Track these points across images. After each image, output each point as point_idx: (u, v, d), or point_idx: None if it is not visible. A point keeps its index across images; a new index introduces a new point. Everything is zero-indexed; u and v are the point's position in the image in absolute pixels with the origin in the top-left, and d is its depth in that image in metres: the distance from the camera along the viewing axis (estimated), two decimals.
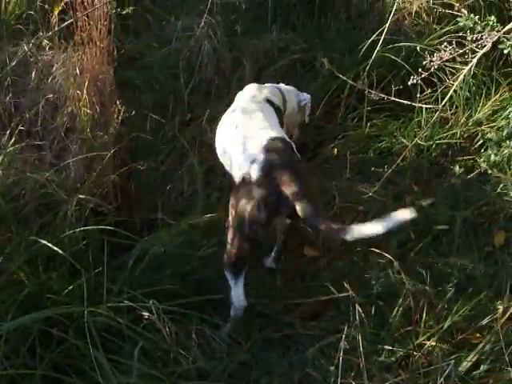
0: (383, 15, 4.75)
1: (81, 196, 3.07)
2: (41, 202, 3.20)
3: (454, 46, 2.85)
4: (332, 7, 5.02)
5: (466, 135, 4.11)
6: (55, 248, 2.76)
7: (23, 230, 3.01)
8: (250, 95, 3.41)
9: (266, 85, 3.60)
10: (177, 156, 3.86)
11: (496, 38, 2.81)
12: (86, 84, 3.35)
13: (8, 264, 2.78)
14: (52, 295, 2.74)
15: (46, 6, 3.99)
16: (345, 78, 3.52)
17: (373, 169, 3.62)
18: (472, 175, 3.69)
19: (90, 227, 2.99)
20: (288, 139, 3.10)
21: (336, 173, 3.79)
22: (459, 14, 4.25)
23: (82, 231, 3.00)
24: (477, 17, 3.70)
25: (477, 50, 2.84)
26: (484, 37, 2.81)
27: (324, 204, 3.55)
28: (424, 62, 2.89)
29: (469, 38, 2.93)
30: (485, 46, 2.80)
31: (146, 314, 2.60)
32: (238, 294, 2.90)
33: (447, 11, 4.77)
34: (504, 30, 2.80)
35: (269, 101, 3.39)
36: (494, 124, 4.10)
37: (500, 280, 3.16)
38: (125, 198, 3.45)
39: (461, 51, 2.90)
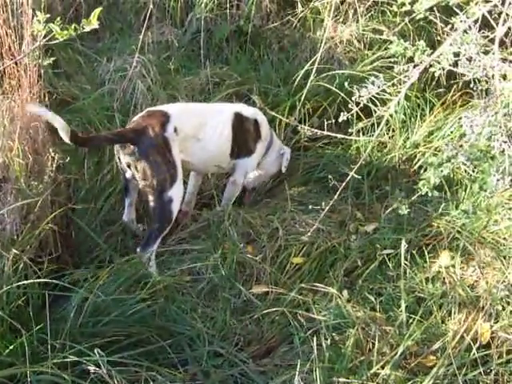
0: (315, 44, 4.81)
1: (15, 251, 2.96)
2: None
3: (382, 79, 2.87)
4: (264, 39, 5.08)
5: (404, 158, 4.16)
6: None
7: None
8: None
9: None
10: (117, 198, 3.80)
11: (422, 68, 2.84)
12: (18, 132, 3.26)
13: None
14: None
15: None
16: (275, 114, 3.54)
17: (310, 205, 3.59)
18: (413, 198, 3.71)
19: (28, 281, 2.90)
20: None
21: (278, 206, 3.78)
22: (390, 39, 4.34)
23: (21, 285, 2.90)
24: (407, 42, 3.76)
25: (405, 80, 2.87)
26: (410, 68, 2.85)
27: (268, 237, 3.52)
28: (353, 98, 2.91)
29: (395, 70, 2.96)
30: (411, 77, 2.84)
31: (92, 367, 2.51)
32: None
33: (378, 37, 4.87)
34: (433, 55, 2.84)
35: None
36: (431, 145, 4.16)
37: (449, 300, 3.17)
38: (65, 244, 3.36)
39: (389, 84, 2.93)
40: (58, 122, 3.15)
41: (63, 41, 2.79)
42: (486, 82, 2.93)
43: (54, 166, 3.27)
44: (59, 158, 3.32)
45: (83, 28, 2.59)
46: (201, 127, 3.65)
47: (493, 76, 2.77)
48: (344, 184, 3.24)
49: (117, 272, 3.17)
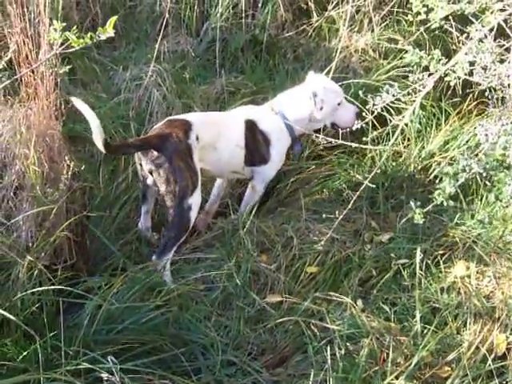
0: (330, 53, 4.81)
1: (30, 258, 2.98)
2: None
3: (396, 87, 2.87)
4: (279, 48, 5.09)
5: (419, 167, 4.14)
6: (6, 314, 2.66)
7: None
8: None
9: None
10: (132, 206, 3.81)
11: (437, 77, 2.84)
12: (34, 140, 3.28)
13: None
14: (7, 362, 2.64)
15: None
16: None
17: (324, 214, 3.58)
18: (429, 207, 3.69)
19: (42, 288, 2.91)
20: None
21: (293, 215, 3.77)
22: (405, 48, 4.34)
23: (36, 292, 2.92)
24: (422, 51, 3.76)
25: (420, 89, 2.87)
26: (425, 77, 2.84)
27: (282, 246, 3.52)
28: (366, 106, 2.91)
29: (410, 79, 2.96)
30: (426, 85, 2.84)
31: (105, 375, 2.51)
32: None
33: (393, 46, 4.86)
34: (449, 64, 2.83)
35: None
36: (447, 154, 4.14)
37: (464, 310, 3.15)
38: (80, 252, 3.37)
39: (403, 92, 2.92)
40: (96, 127, 3.18)
41: (80, 49, 2.81)
42: (502, 91, 2.91)
43: (70, 173, 3.29)
44: (75, 166, 3.34)
45: (99, 36, 2.60)
46: (218, 136, 3.67)
47: (508, 85, 2.76)
48: (358, 193, 3.24)
49: (131, 280, 3.18)
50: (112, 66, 4.80)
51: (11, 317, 2.70)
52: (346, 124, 3.82)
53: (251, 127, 3.81)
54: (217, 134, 3.67)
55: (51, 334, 2.73)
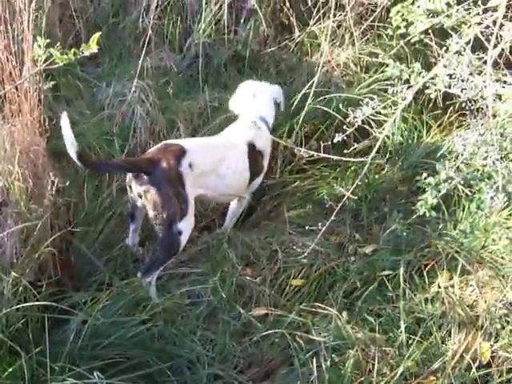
0: (312, 68, 4.85)
1: (15, 274, 2.97)
2: None
3: (376, 100, 2.91)
4: (262, 63, 5.13)
5: (402, 179, 4.18)
6: None
7: None
8: None
9: None
10: (116, 222, 3.81)
11: (416, 89, 2.88)
12: (18, 157, 3.28)
13: None
14: None
15: None
16: (274, 138, 3.58)
17: (307, 227, 3.59)
18: (412, 218, 3.72)
19: (27, 304, 2.91)
20: None
21: (277, 228, 3.79)
22: (386, 62, 4.39)
23: (21, 308, 2.91)
24: (403, 65, 3.81)
25: (400, 101, 2.91)
26: (405, 90, 2.89)
27: (267, 259, 3.54)
28: (347, 119, 2.95)
29: (389, 91, 3.00)
30: (405, 98, 2.88)
31: None
32: None
33: (374, 60, 4.91)
34: (427, 77, 2.87)
35: None
36: (429, 165, 4.18)
37: (448, 320, 3.17)
38: (65, 268, 3.37)
39: (383, 105, 2.97)
40: (69, 138, 3.19)
41: (63, 66, 2.82)
42: (476, 102, 2.96)
43: (54, 189, 3.29)
44: (59, 182, 3.33)
45: (82, 52, 2.62)
46: (221, 162, 3.68)
47: (485, 97, 2.80)
48: (340, 205, 3.27)
49: (116, 295, 3.18)
50: (95, 82, 4.81)
51: None
52: None
53: (252, 149, 3.85)
54: (218, 160, 3.67)
55: (37, 350, 2.72)
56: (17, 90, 3.34)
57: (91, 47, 2.57)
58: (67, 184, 3.42)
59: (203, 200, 3.80)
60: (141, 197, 3.41)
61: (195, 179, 3.49)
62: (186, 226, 3.43)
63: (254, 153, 3.85)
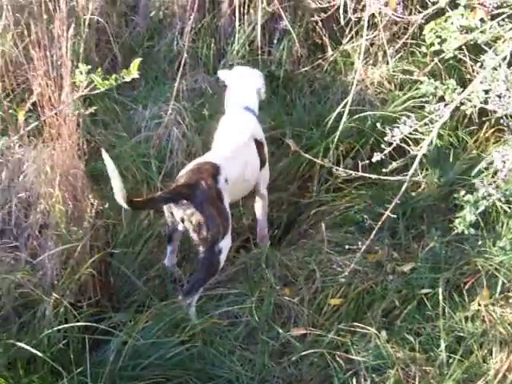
0: (346, 87, 4.86)
1: (56, 296, 3.03)
2: (18, 302, 3.18)
3: (413, 118, 2.91)
4: (296, 83, 5.14)
5: (439, 196, 4.15)
6: (34, 350, 2.70)
7: (1, 333, 2.99)
8: None
9: None
10: (154, 243, 3.84)
11: (453, 106, 2.88)
12: (58, 180, 3.35)
13: None
14: None
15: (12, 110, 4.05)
16: (310, 157, 3.59)
17: (347, 245, 3.59)
18: (450, 236, 3.68)
19: (67, 325, 2.95)
20: None
21: (314, 247, 3.78)
22: (420, 79, 4.38)
23: (62, 329, 2.95)
24: (437, 82, 3.80)
25: (437, 119, 2.91)
26: (441, 107, 2.89)
27: (305, 279, 3.53)
28: (385, 138, 2.95)
29: (427, 110, 3.00)
30: (443, 115, 2.88)
31: None
32: None
33: (408, 77, 4.91)
34: (464, 94, 2.87)
35: None
36: (466, 182, 4.14)
37: (489, 338, 3.13)
38: (104, 289, 3.40)
39: (420, 123, 2.97)
40: (117, 184, 3.18)
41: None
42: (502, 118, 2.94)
43: (93, 211, 3.35)
44: (98, 204, 3.40)
45: (123, 78, 2.67)
46: (246, 166, 3.76)
47: None
48: (380, 224, 3.26)
49: (155, 316, 3.21)
50: (132, 105, 4.88)
51: (38, 353, 2.74)
52: None
53: (256, 143, 3.90)
54: (244, 165, 3.74)
55: (78, 371, 2.76)
56: (56, 114, 3.41)
57: (132, 73, 2.62)
58: (106, 206, 3.47)
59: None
60: (183, 221, 3.41)
61: (229, 192, 3.53)
62: (227, 243, 3.46)
63: (257, 146, 3.90)
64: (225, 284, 3.64)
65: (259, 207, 4.02)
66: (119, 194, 3.18)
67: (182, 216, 3.39)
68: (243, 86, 4.13)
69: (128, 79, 2.68)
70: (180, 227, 3.52)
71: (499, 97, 3.00)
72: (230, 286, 3.60)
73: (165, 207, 3.52)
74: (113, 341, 3.01)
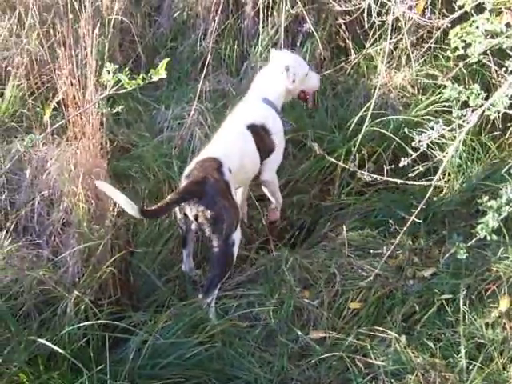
0: (369, 90, 4.85)
1: (77, 293, 3.05)
2: (40, 299, 3.23)
3: (441, 124, 2.90)
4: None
5: (461, 202, 4.12)
6: (54, 347, 2.72)
7: (22, 329, 3.03)
8: None
9: None
10: (175, 243, 3.86)
11: (480, 112, 2.86)
12: (81, 178, 3.37)
13: (8, 365, 2.75)
14: None
15: (38, 108, 4.10)
16: (333, 160, 3.58)
17: (371, 250, 3.58)
18: (472, 242, 3.65)
19: (88, 323, 2.97)
20: None
21: (335, 250, 3.78)
22: (443, 83, 4.35)
23: (82, 326, 2.97)
24: (461, 86, 3.77)
25: (463, 124, 2.89)
26: (468, 113, 2.87)
27: (325, 282, 3.52)
28: (413, 143, 2.94)
29: (454, 115, 2.98)
30: (470, 121, 2.86)
31: None
32: None
33: (431, 82, 4.88)
34: (491, 99, 2.85)
35: None
36: (489, 188, 4.12)
37: (510, 346, 3.11)
38: (124, 288, 3.43)
39: (448, 128, 2.95)
40: (123, 201, 3.19)
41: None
42: None
43: (115, 210, 3.37)
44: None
45: (151, 77, 2.68)
46: (243, 156, 3.78)
47: None
48: (405, 229, 3.25)
49: (175, 316, 3.22)
50: (154, 105, 4.91)
51: (59, 350, 2.76)
52: (312, 90, 4.26)
53: (253, 129, 3.87)
54: (242, 155, 3.76)
55: (98, 368, 2.78)
56: (80, 113, 3.43)
57: (160, 73, 2.63)
58: None
59: None
60: (197, 218, 3.43)
61: (233, 181, 3.60)
62: (238, 235, 3.51)
63: (256, 131, 3.88)
64: (245, 285, 3.64)
65: (267, 193, 4.05)
66: (129, 209, 3.20)
67: (196, 213, 3.41)
68: (268, 72, 4.11)
69: (155, 79, 2.68)
70: (193, 226, 3.55)
71: None
72: (250, 287, 3.60)
73: (177, 210, 3.54)
74: (132, 339, 3.03)
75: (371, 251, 3.48)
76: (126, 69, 2.68)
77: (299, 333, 3.30)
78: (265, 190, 4.07)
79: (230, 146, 3.77)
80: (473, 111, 2.90)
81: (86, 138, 3.43)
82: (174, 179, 4.21)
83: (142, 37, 5.43)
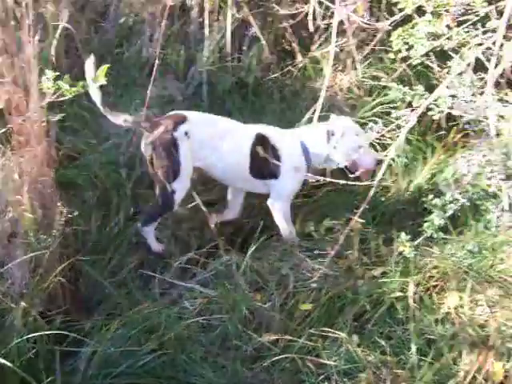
0: (315, 93, 4.88)
1: (24, 305, 3.00)
2: None
3: (380, 124, 2.95)
4: (266, 90, 5.16)
5: (408, 201, 4.19)
6: (2, 360, 2.67)
7: None
8: None
9: None
10: (124, 251, 3.82)
11: (420, 112, 2.92)
12: (26, 187, 3.32)
13: None
14: None
15: None
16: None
17: (316, 251, 3.62)
18: (419, 240, 3.71)
19: (37, 334, 2.92)
20: None
21: (286, 251, 3.79)
22: (388, 85, 4.43)
23: (31, 338, 2.92)
24: (406, 87, 3.84)
25: (403, 124, 2.95)
26: (408, 113, 2.93)
27: (276, 284, 3.53)
28: None
29: (393, 115, 3.04)
30: (409, 121, 2.92)
31: None
32: None
33: (377, 83, 4.95)
34: (430, 99, 2.91)
35: None
36: (434, 187, 4.19)
37: (459, 340, 3.16)
38: (74, 297, 3.38)
39: (387, 129, 3.00)
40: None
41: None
42: (479, 122, 2.99)
43: (62, 219, 3.32)
44: (67, 212, 3.37)
45: None
46: (219, 139, 3.86)
47: (487, 117, 2.83)
48: (348, 229, 3.29)
49: (127, 323, 3.19)
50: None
51: (8, 363, 2.70)
52: (362, 168, 3.83)
53: (260, 139, 3.91)
54: (216, 136, 3.86)
55: (48, 380, 2.73)
56: (24, 121, 3.37)
57: (98, 79, 2.61)
58: (75, 214, 3.44)
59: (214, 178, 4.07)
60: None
61: (194, 150, 3.80)
62: (180, 186, 3.81)
63: (262, 145, 3.87)
64: (197, 290, 3.61)
65: (274, 216, 4.03)
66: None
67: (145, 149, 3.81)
68: (318, 129, 4.00)
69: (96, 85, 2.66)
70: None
71: (466, 102, 3.05)
72: (203, 292, 3.58)
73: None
74: (83, 349, 2.99)
75: (319, 252, 3.50)
76: (66, 76, 2.64)
77: (252, 335, 3.30)
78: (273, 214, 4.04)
79: (212, 122, 3.95)
80: (412, 111, 2.96)
81: (30, 146, 3.37)
82: (122, 186, 4.17)
83: (87, 43, 5.37)
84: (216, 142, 3.85)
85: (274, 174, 3.94)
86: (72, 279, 3.39)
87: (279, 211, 3.99)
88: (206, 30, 5.24)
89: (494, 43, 2.98)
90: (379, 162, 3.79)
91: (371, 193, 3.19)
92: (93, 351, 2.99)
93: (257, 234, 3.79)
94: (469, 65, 2.97)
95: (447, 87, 2.95)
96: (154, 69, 4.41)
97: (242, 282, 3.56)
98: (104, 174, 4.26)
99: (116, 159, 4.39)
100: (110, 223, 3.97)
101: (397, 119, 3.02)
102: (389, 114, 4.49)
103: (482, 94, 2.95)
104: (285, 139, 3.97)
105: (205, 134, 3.84)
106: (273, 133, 3.98)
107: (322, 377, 3.01)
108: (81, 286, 3.49)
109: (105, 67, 2.62)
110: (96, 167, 4.29)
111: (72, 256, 3.37)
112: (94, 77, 2.56)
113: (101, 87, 3.01)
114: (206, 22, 5.23)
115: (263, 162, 3.84)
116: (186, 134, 3.76)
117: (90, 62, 3.49)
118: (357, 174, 3.63)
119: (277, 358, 3.15)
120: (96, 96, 3.62)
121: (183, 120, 3.80)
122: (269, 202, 4.01)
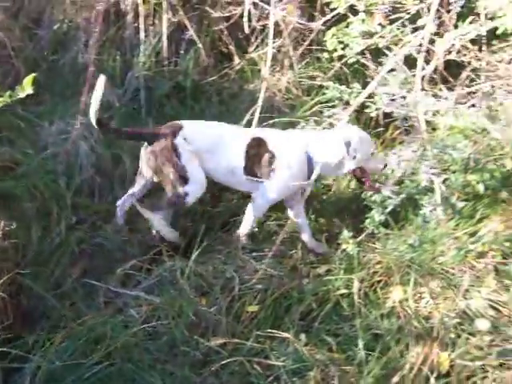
0: (254, 95, 4.88)
1: None
2: None
3: (312, 122, 2.99)
4: (204, 93, 5.15)
5: (349, 198, 4.23)
6: None
7: None
8: None
9: None
10: (66, 261, 3.76)
11: (351, 111, 2.97)
12: None
13: None
14: None
15: None
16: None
17: (260, 252, 3.62)
18: (361, 236, 3.75)
19: None
20: None
21: (230, 254, 3.78)
22: (326, 84, 4.47)
23: None
24: (343, 86, 3.89)
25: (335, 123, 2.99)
26: (340, 111, 2.99)
27: (221, 288, 3.52)
28: None
29: (326, 114, 3.08)
30: (341, 119, 2.97)
31: None
32: None
33: (315, 83, 4.99)
34: (361, 96, 2.95)
35: None
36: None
37: (405, 333, 3.20)
38: (16, 312, 3.30)
39: (319, 127, 3.04)
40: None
41: (2, 106, 2.80)
42: (410, 118, 3.04)
43: (1, 232, 3.25)
44: (5, 225, 3.30)
45: (18, 94, 2.60)
46: (217, 143, 3.91)
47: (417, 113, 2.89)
48: (286, 228, 3.29)
49: (71, 335, 3.14)
50: (37, 121, 4.75)
51: None
52: (374, 172, 3.92)
53: (256, 140, 3.90)
54: (214, 141, 3.91)
55: None
56: None
57: (25, 88, 2.54)
58: (14, 226, 3.37)
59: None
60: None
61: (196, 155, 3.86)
62: (192, 189, 3.86)
63: (257, 146, 3.89)
64: (142, 298, 3.57)
65: (247, 210, 3.99)
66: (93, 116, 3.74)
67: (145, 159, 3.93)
68: (327, 139, 3.83)
69: (23, 95, 2.60)
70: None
71: (403, 98, 3.11)
72: (148, 299, 3.54)
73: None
74: (27, 365, 2.92)
75: (262, 253, 3.51)
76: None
77: (200, 339, 3.27)
78: (247, 208, 4.00)
79: (208, 127, 4.02)
80: (343, 109, 3.01)
81: None
82: (61, 196, 4.10)
83: (21, 51, 5.26)
84: (214, 146, 3.88)
85: (266, 175, 3.89)
86: (13, 293, 3.31)
87: (257, 209, 3.96)
88: (142, 35, 5.21)
89: (423, 39, 3.03)
90: (385, 166, 3.80)
91: (307, 191, 3.20)
92: (37, 366, 2.92)
93: (199, 238, 3.75)
94: (399, 62, 3.02)
95: (379, 84, 3.00)
96: (89, 75, 4.37)
97: (186, 287, 3.53)
98: (42, 183, 4.17)
99: (54, 168, 4.30)
100: (50, 234, 3.90)
101: (329, 117, 3.05)
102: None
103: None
104: (287, 145, 3.89)
105: (202, 140, 3.89)
106: (273, 137, 3.93)
107: (272, 378, 3.01)
108: (23, 300, 3.41)
109: (30, 76, 2.55)
110: (34, 177, 4.20)
111: (12, 270, 3.29)
112: (21, 87, 2.49)
113: (35, 96, 2.93)
114: (142, 26, 5.20)
115: (256, 163, 3.87)
116: (185, 139, 3.83)
117: (100, 82, 3.72)
118: (365, 187, 3.83)
119: (225, 361, 3.13)
120: (93, 116, 3.76)
121: (180, 127, 3.87)
122: (253, 195, 3.96)
